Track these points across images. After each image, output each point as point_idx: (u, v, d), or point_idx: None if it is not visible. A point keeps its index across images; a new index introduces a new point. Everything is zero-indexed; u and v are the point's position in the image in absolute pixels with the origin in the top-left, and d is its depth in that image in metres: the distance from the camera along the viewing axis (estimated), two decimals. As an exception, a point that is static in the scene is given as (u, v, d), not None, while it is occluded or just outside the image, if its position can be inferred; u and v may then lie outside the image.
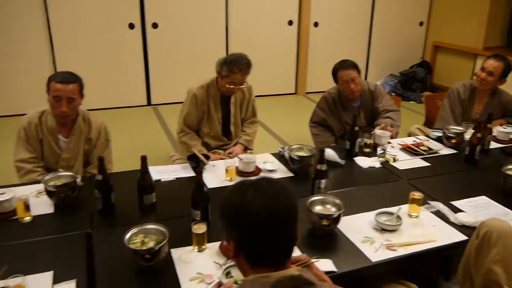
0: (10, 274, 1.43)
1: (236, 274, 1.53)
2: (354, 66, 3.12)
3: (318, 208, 1.89)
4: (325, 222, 1.81)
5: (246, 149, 3.15)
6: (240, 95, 3.09)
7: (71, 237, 1.82)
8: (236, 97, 3.08)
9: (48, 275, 1.55)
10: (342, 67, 3.14)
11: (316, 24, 6.35)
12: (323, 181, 2.15)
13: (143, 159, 1.94)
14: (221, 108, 3.05)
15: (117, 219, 1.98)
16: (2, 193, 1.96)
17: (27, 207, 1.92)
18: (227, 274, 1.55)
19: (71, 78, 2.42)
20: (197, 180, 1.82)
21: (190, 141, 3.00)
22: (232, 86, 2.88)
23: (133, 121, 5.32)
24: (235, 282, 1.47)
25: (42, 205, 2.03)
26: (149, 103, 5.88)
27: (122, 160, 3.15)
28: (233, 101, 3.07)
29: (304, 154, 2.48)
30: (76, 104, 2.46)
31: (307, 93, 6.55)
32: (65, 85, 2.38)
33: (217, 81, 2.98)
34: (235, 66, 2.82)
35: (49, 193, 2.03)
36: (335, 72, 3.19)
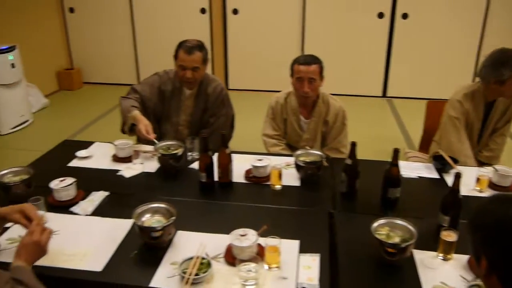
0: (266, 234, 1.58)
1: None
2: None
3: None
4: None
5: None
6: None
7: (315, 212, 1.90)
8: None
9: (295, 244, 1.65)
10: None
11: (405, 16, 5.41)
12: None
13: (396, 152, 1.90)
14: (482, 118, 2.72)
15: (358, 205, 1.99)
16: (260, 159, 2.18)
17: (280, 176, 2.09)
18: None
19: (312, 60, 2.55)
20: (454, 185, 1.69)
21: None
22: None
23: (366, 111, 5.31)
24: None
25: (290, 177, 2.18)
26: (384, 95, 5.79)
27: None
28: (494, 108, 2.71)
29: None
30: (316, 85, 2.56)
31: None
32: (307, 67, 2.51)
33: (486, 87, 2.56)
34: None
35: (298, 167, 2.17)
36: None
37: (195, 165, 2.31)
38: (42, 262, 1.47)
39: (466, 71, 5.49)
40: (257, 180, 2.15)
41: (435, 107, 3.06)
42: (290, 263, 1.54)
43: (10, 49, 4.53)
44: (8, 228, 1.74)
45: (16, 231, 1.71)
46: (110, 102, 5.52)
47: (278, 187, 2.10)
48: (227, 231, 1.66)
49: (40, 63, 5.59)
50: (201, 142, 2.01)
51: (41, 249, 1.44)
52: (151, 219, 1.66)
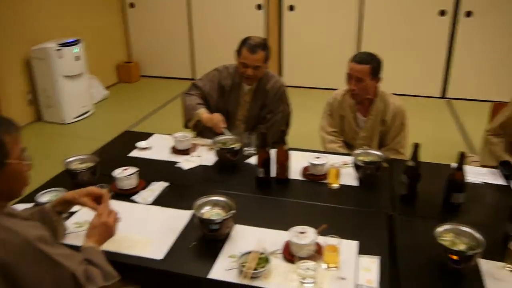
0: (324, 233, 1.57)
1: None
2: None
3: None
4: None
5: None
6: None
7: (373, 214, 1.87)
8: None
9: (354, 244, 1.62)
10: None
11: (468, 14, 5.09)
12: None
13: (462, 156, 1.82)
14: None
15: (418, 208, 1.93)
16: (318, 157, 2.16)
17: (338, 175, 2.06)
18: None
19: (366, 59, 2.47)
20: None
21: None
22: None
23: (423, 111, 5.15)
24: None
25: (347, 176, 2.15)
26: (443, 96, 5.59)
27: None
28: None
29: None
30: (364, 85, 2.49)
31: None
32: (356, 65, 2.46)
33: None
34: None
35: (357, 167, 2.13)
36: None
37: (251, 160, 2.33)
38: (107, 246, 1.53)
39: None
40: (314, 178, 2.14)
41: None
42: (348, 264, 1.52)
43: (75, 42, 4.73)
44: (74, 212, 1.82)
45: (82, 216, 1.78)
46: (166, 96, 5.66)
47: (335, 186, 2.07)
48: (284, 228, 1.67)
49: (101, 56, 5.81)
50: (260, 138, 2.02)
51: (109, 230, 1.50)
52: (211, 212, 1.68)
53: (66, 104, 4.72)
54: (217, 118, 2.53)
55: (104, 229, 1.48)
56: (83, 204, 1.58)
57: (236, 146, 2.27)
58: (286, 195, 2.03)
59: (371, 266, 1.51)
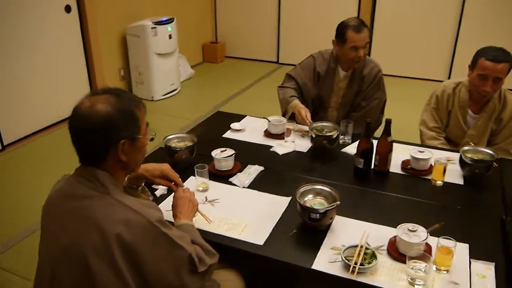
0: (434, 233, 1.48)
1: None
2: None
3: None
4: None
5: None
6: None
7: (483, 216, 1.74)
8: None
9: (464, 247, 1.52)
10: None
11: None
12: None
13: None
14: None
15: (535, 215, 1.77)
16: (421, 151, 2.05)
17: (444, 172, 1.94)
18: None
19: (504, 57, 2.23)
20: None
21: None
22: None
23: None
24: None
25: (451, 174, 2.02)
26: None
27: None
28: None
29: None
30: (501, 84, 2.29)
31: None
32: (496, 64, 2.22)
33: None
34: None
35: (464, 164, 1.99)
36: None
37: (347, 150, 2.26)
38: (207, 227, 1.55)
39: None
40: (415, 173, 2.03)
41: None
42: (460, 268, 1.43)
43: (169, 21, 4.84)
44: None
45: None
46: (250, 77, 5.68)
47: (440, 182, 1.95)
48: (385, 222, 1.63)
49: (189, 36, 5.92)
50: (365, 127, 1.94)
51: (193, 203, 1.54)
52: (313, 201, 1.64)
53: (156, 81, 4.88)
54: (302, 116, 2.46)
55: (189, 203, 1.51)
56: (158, 183, 1.65)
57: (334, 134, 2.21)
58: (386, 189, 1.94)
59: (486, 272, 1.41)
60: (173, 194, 1.60)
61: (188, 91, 5.32)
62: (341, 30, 2.55)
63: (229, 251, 1.56)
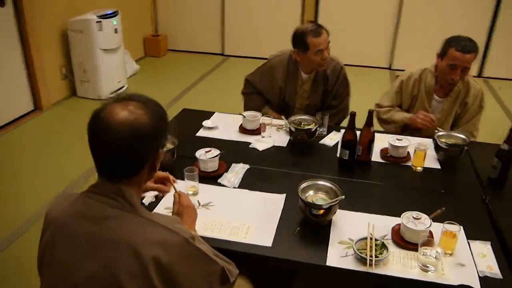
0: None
1: None
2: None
3: None
4: None
5: None
6: None
7: (466, 198, 1.85)
8: None
9: (460, 229, 1.60)
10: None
11: None
12: None
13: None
14: None
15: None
16: (400, 139, 2.13)
17: (424, 158, 2.03)
18: None
19: (472, 47, 2.33)
20: None
21: None
22: None
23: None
24: None
25: (428, 159, 2.10)
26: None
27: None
28: None
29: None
30: (467, 73, 2.42)
31: None
32: (464, 55, 2.32)
33: None
34: None
35: (438, 149, 2.10)
36: None
37: (325, 141, 2.30)
38: (206, 233, 1.52)
39: None
40: (395, 160, 2.11)
41: None
42: (462, 250, 1.51)
43: (114, 14, 4.60)
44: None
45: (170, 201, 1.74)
46: (198, 71, 5.59)
47: (420, 168, 2.05)
48: (384, 212, 1.69)
49: (131, 29, 5.68)
50: (350, 119, 1.97)
51: (194, 209, 1.49)
52: (315, 196, 1.66)
53: (103, 79, 4.64)
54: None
55: (190, 211, 1.47)
56: (145, 189, 1.54)
57: (312, 126, 2.23)
58: (372, 178, 2.00)
59: (485, 251, 1.50)
60: (165, 197, 1.54)
61: (136, 88, 5.12)
62: (300, 38, 2.52)
63: (235, 256, 1.53)
